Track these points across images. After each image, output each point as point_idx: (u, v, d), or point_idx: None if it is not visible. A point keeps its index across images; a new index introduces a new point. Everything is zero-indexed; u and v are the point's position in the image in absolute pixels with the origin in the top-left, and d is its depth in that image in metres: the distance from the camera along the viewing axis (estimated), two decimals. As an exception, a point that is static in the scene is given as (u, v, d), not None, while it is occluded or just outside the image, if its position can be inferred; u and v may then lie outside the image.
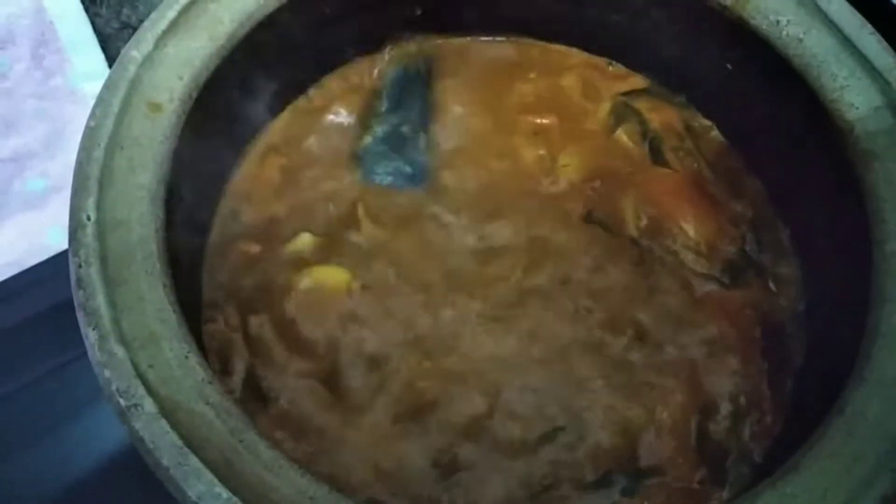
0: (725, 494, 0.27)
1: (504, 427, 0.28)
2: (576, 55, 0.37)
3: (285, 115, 0.34)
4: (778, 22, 0.31)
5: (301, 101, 0.35)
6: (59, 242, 0.42)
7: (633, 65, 0.37)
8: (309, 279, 0.30)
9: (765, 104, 0.33)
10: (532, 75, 0.36)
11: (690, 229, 0.32)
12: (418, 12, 0.35)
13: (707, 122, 0.36)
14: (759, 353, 0.30)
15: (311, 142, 0.34)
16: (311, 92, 0.35)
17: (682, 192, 0.33)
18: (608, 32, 0.36)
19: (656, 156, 0.34)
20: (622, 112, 0.35)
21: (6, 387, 0.39)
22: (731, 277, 0.32)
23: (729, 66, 0.34)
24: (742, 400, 0.30)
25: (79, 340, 0.40)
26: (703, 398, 0.29)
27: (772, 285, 0.32)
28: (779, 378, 0.30)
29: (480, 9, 0.36)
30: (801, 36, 0.30)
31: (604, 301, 0.31)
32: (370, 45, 0.36)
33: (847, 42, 0.30)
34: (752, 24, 0.31)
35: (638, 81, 0.36)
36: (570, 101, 0.36)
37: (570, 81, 0.36)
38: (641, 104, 0.36)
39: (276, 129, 0.34)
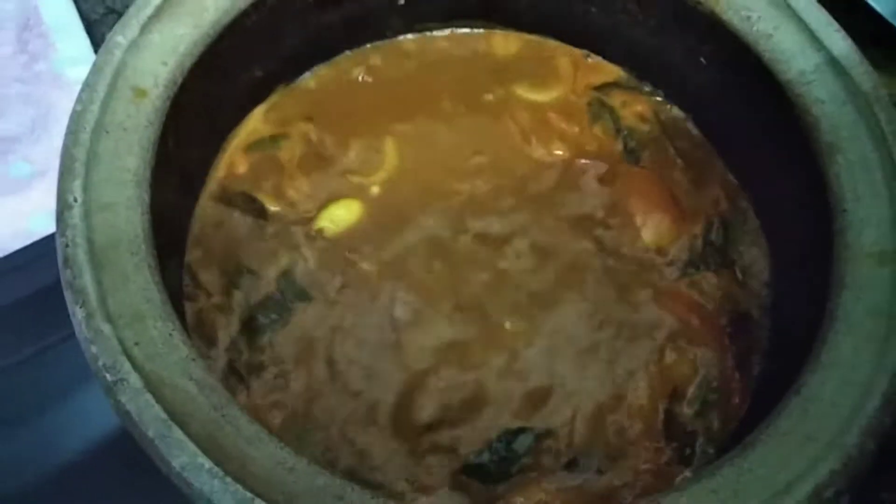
0: (689, 473, 0.29)
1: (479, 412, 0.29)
2: (555, 46, 0.38)
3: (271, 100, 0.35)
4: (749, 17, 0.32)
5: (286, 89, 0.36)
6: (43, 227, 0.42)
7: (611, 57, 0.37)
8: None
9: (736, 97, 0.34)
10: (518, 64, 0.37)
11: (657, 224, 0.33)
12: (401, 2, 0.36)
13: (681, 114, 0.37)
14: (727, 339, 0.31)
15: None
16: (298, 81, 0.36)
17: (653, 189, 0.34)
18: (586, 24, 0.36)
19: (630, 153, 0.35)
20: (597, 109, 0.36)
21: None
22: (698, 268, 0.33)
23: (703, 59, 0.35)
24: (709, 385, 0.31)
25: (60, 324, 0.40)
26: (671, 384, 0.30)
27: (739, 275, 0.33)
28: (746, 363, 0.31)
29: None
30: (770, 32, 0.31)
31: (576, 292, 0.32)
32: (357, 36, 0.36)
33: (814, 38, 0.31)
34: (724, 19, 0.32)
35: (612, 72, 0.37)
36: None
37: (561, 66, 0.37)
38: (614, 99, 0.37)
39: (259, 115, 0.35)
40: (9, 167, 0.44)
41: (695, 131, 0.36)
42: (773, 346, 0.32)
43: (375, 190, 0.33)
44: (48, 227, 0.42)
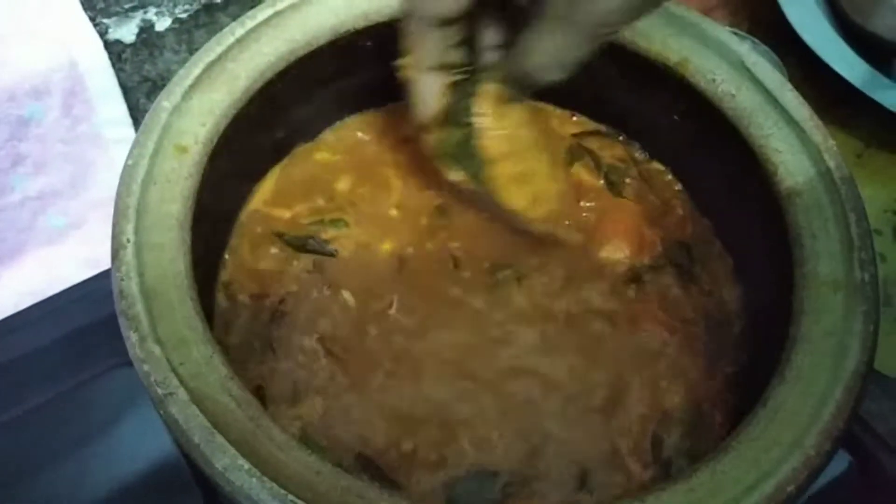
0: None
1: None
2: (543, 108, 0.42)
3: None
4: (714, 80, 0.36)
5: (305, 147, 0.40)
6: (75, 274, 0.46)
7: (595, 116, 0.42)
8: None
9: (706, 149, 0.38)
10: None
11: (616, 249, 0.37)
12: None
13: (661, 167, 0.41)
14: (703, 347, 0.35)
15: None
16: (318, 139, 0.40)
17: (623, 219, 0.38)
18: (571, 87, 0.41)
19: (613, 187, 0.39)
20: (576, 151, 0.40)
21: (23, 409, 0.41)
22: (676, 286, 0.36)
23: (676, 116, 0.39)
24: (690, 407, 0.34)
25: (92, 364, 0.43)
26: (656, 409, 0.33)
27: (713, 304, 0.36)
28: (724, 385, 0.34)
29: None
30: (733, 92, 0.36)
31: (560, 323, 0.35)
32: (373, 100, 0.41)
33: (771, 97, 0.35)
34: (692, 82, 0.37)
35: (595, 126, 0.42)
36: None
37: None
38: (592, 143, 0.41)
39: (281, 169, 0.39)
40: (48, 219, 0.48)
41: (669, 176, 0.40)
42: (750, 364, 0.35)
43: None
44: (80, 273, 0.46)
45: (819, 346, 0.29)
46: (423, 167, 0.38)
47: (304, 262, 0.36)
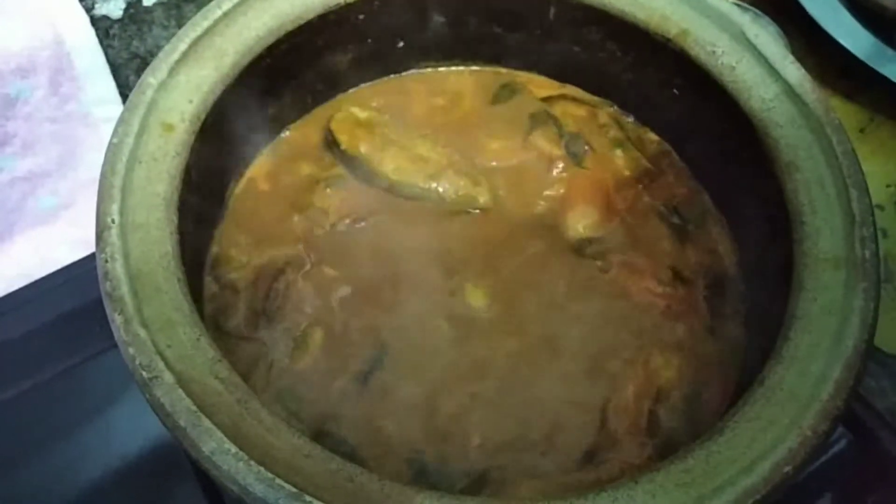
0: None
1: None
2: (545, 83, 0.42)
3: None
4: (714, 52, 0.35)
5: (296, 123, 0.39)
6: (67, 256, 0.45)
7: (592, 90, 0.41)
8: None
9: (706, 122, 0.37)
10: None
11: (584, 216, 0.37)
12: (400, 45, 0.40)
13: (654, 136, 0.40)
14: (704, 304, 0.35)
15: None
16: (307, 118, 0.39)
17: (588, 187, 0.38)
18: (568, 60, 0.40)
19: (573, 156, 0.39)
20: (540, 117, 0.39)
21: (18, 390, 0.41)
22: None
23: (675, 90, 0.38)
24: (688, 387, 0.33)
25: (84, 346, 0.42)
26: (653, 386, 0.33)
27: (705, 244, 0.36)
28: (724, 362, 0.34)
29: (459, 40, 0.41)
30: (734, 64, 0.35)
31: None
32: (370, 74, 0.40)
33: (772, 70, 0.34)
34: (692, 55, 0.36)
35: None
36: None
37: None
38: (557, 109, 0.40)
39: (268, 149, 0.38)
40: (37, 200, 0.47)
41: (654, 137, 0.40)
42: (748, 341, 0.34)
43: None
44: (72, 255, 0.45)
45: (818, 324, 0.28)
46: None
47: (294, 241, 0.35)
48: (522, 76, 0.42)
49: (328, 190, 0.37)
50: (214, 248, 0.34)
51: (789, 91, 0.34)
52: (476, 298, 0.34)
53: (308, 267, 0.34)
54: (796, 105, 0.33)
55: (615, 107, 0.41)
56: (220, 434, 0.24)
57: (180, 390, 0.25)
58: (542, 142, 0.39)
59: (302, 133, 0.39)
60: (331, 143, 0.38)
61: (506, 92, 0.41)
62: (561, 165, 0.38)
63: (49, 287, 0.44)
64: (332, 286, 0.34)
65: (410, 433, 0.31)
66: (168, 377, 0.25)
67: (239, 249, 0.35)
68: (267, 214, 0.36)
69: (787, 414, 0.26)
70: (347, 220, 0.36)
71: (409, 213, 0.36)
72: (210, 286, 0.33)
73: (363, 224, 0.36)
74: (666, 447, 0.32)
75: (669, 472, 0.25)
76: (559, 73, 0.41)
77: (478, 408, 0.32)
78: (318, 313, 0.33)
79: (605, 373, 0.33)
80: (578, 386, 0.33)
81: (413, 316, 0.33)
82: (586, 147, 0.39)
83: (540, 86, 0.41)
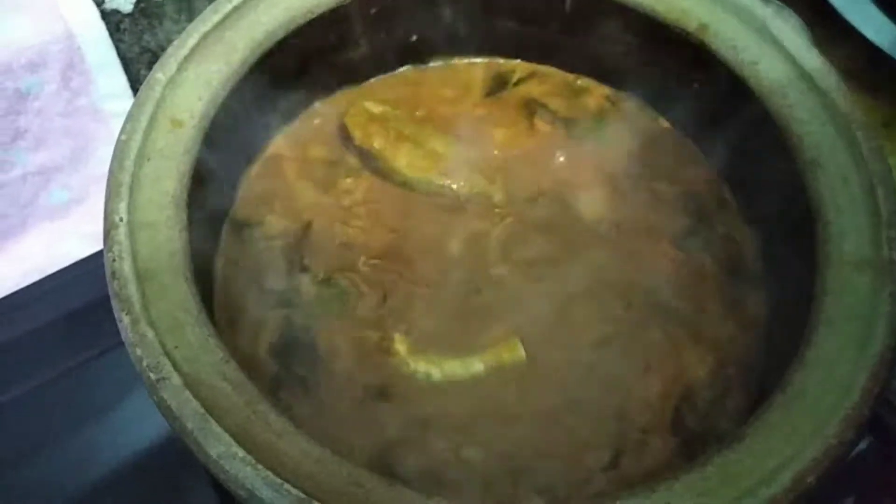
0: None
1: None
2: (556, 73, 0.41)
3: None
4: (735, 47, 0.34)
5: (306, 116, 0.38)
6: (78, 251, 0.45)
7: (611, 84, 0.40)
8: None
9: (726, 119, 0.36)
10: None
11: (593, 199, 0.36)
12: (413, 38, 0.39)
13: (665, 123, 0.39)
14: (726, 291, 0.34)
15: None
16: (317, 106, 0.39)
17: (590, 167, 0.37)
18: (587, 53, 0.39)
19: (573, 139, 0.38)
20: (531, 105, 0.39)
21: (26, 388, 0.41)
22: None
23: (695, 84, 0.37)
24: (713, 387, 0.32)
25: (93, 343, 0.42)
26: (679, 384, 0.32)
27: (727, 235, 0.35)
28: (747, 364, 0.33)
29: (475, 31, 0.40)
30: (756, 60, 0.34)
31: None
32: (383, 68, 0.40)
33: (795, 64, 0.33)
34: (713, 49, 0.35)
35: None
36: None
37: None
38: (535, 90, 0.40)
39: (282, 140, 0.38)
40: (49, 195, 0.47)
41: (665, 124, 0.39)
42: (770, 345, 0.33)
43: None
44: (85, 250, 0.45)
45: (842, 329, 0.27)
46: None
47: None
48: (535, 68, 0.41)
49: (348, 180, 0.36)
50: (224, 248, 0.34)
51: (813, 86, 0.33)
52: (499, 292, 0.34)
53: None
54: (820, 100, 0.32)
55: (634, 99, 0.40)
56: (227, 437, 0.23)
57: (188, 392, 0.24)
58: (542, 125, 0.39)
59: (314, 128, 0.38)
60: (345, 138, 0.37)
61: (498, 82, 0.41)
62: (565, 150, 0.38)
63: (61, 282, 0.45)
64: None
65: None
66: (175, 379, 0.24)
67: None
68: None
69: (810, 422, 0.25)
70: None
71: (424, 208, 0.36)
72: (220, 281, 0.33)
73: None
74: (689, 447, 0.31)
75: (687, 480, 0.24)
76: (576, 66, 0.40)
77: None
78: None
79: (631, 366, 0.32)
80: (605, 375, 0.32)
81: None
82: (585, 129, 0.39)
83: (543, 77, 0.41)
